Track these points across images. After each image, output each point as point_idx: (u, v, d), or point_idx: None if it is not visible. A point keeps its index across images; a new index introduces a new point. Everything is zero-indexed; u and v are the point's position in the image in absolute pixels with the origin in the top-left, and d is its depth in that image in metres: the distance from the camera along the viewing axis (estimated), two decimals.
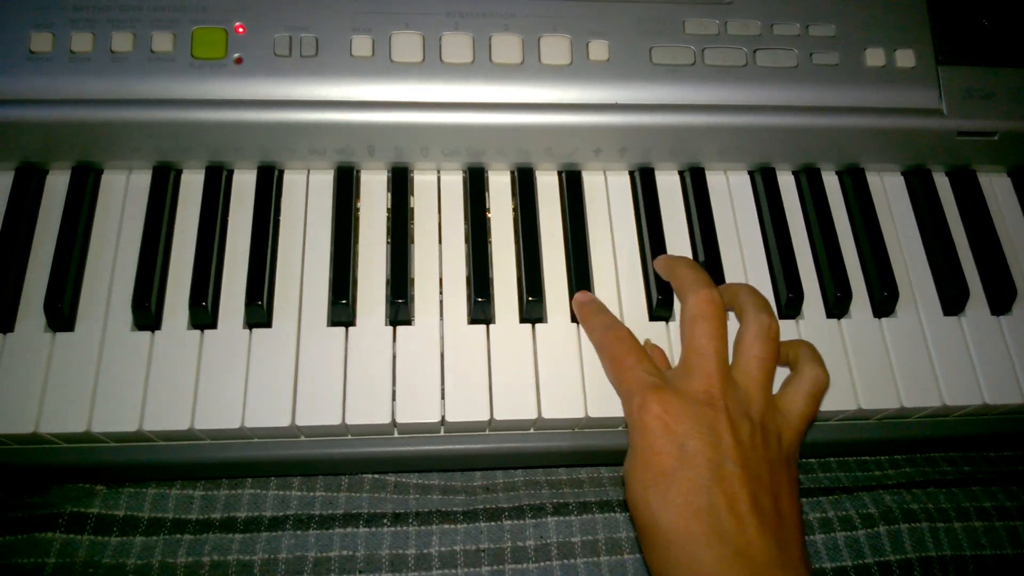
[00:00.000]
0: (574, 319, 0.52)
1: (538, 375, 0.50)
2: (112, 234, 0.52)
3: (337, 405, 0.48)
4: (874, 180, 0.59)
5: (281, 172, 0.55)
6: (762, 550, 0.40)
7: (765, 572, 0.40)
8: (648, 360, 0.46)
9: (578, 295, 0.52)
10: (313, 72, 0.52)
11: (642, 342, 0.50)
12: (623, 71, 0.54)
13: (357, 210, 0.54)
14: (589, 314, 0.50)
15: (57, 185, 0.54)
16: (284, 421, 0.47)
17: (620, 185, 0.57)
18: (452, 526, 0.51)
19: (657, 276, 0.53)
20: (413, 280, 0.52)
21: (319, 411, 0.48)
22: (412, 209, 0.55)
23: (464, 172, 0.56)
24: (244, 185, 0.55)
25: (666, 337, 0.52)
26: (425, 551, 0.50)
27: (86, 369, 0.48)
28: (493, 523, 0.51)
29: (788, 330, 0.53)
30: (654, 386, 0.44)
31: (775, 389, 0.48)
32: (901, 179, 0.60)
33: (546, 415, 0.49)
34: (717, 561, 0.40)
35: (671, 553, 0.41)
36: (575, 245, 0.54)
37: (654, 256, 0.54)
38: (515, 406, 0.49)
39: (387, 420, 0.48)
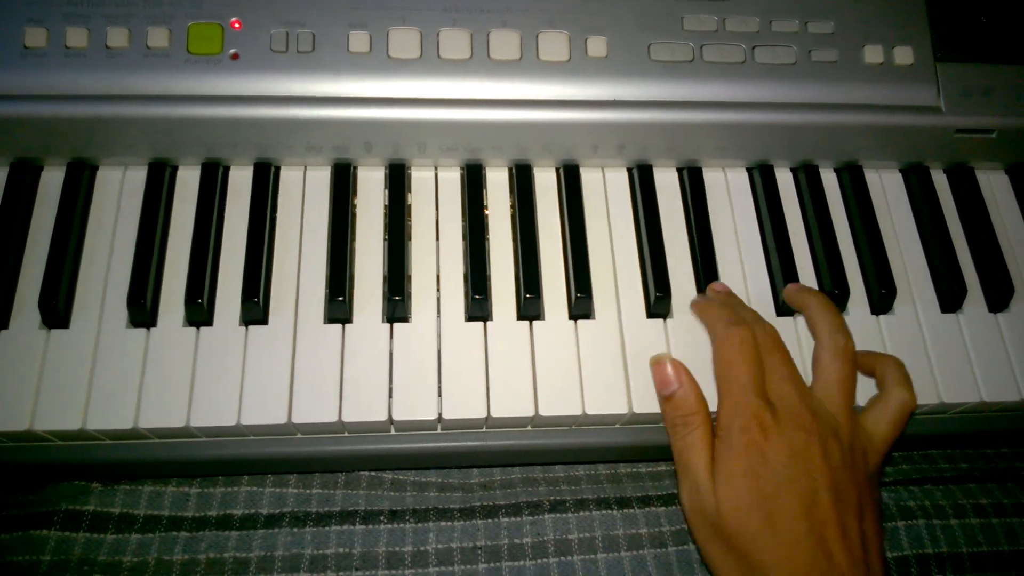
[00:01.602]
0: (572, 316, 0.52)
1: (535, 372, 0.50)
2: (107, 231, 0.52)
3: (334, 402, 0.48)
4: (872, 177, 0.59)
5: (278, 169, 0.55)
6: (851, 574, 0.41)
7: None
8: (761, 374, 0.46)
9: (715, 284, 0.52)
10: (310, 68, 0.52)
11: (640, 340, 0.50)
12: (621, 67, 0.54)
13: (354, 207, 0.54)
14: (708, 305, 0.50)
15: (52, 181, 0.53)
16: (280, 418, 0.47)
17: (618, 182, 0.57)
18: (449, 523, 0.51)
19: (656, 273, 0.53)
20: (410, 277, 0.52)
21: (316, 408, 0.48)
22: (409, 206, 0.55)
23: (462, 169, 0.56)
24: (240, 182, 0.54)
25: (663, 335, 0.52)
26: (422, 548, 0.50)
27: (81, 366, 0.48)
28: (490, 520, 0.51)
29: (787, 327, 0.53)
30: (758, 410, 0.44)
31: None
32: (899, 176, 0.60)
33: (543, 412, 0.48)
34: None
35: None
36: (573, 242, 0.54)
37: (651, 252, 0.54)
38: (512, 403, 0.49)
39: (384, 417, 0.48)
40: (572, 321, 0.52)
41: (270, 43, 0.52)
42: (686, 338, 0.51)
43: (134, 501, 0.50)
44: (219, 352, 0.49)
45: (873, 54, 0.56)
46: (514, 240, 0.54)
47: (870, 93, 0.56)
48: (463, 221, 0.54)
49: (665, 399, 0.48)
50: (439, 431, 0.50)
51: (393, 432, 0.50)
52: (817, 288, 0.55)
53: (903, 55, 0.56)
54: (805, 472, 0.43)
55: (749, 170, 0.59)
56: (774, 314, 0.54)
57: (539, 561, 0.50)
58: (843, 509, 0.43)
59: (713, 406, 0.47)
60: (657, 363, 0.48)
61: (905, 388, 0.47)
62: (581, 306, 0.51)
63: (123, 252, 0.51)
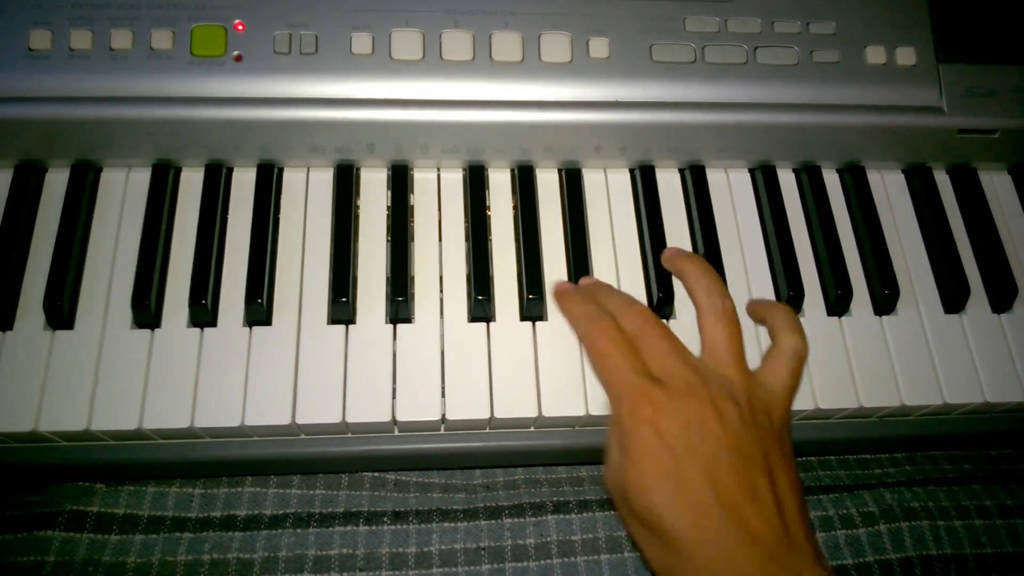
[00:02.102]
0: None
1: (538, 373, 0.50)
2: (111, 232, 0.52)
3: (337, 403, 0.48)
4: (875, 178, 0.59)
5: (281, 170, 0.55)
6: (767, 536, 0.40)
7: (774, 558, 0.40)
8: (634, 355, 0.46)
9: (557, 284, 0.52)
10: (313, 70, 0.52)
11: None
12: (623, 69, 0.54)
13: (357, 208, 0.54)
14: (571, 305, 0.50)
15: (56, 183, 0.54)
16: (284, 419, 0.47)
17: (620, 183, 0.57)
18: (452, 524, 0.51)
19: (658, 274, 0.53)
20: (413, 278, 0.52)
21: (319, 409, 0.48)
22: (412, 207, 0.55)
23: (464, 170, 0.56)
24: (244, 183, 0.54)
25: None
26: (425, 549, 0.50)
27: (86, 367, 0.48)
28: (493, 521, 0.51)
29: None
30: (641, 388, 0.44)
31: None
32: (902, 177, 0.60)
33: (547, 413, 0.49)
34: (728, 554, 0.40)
35: (683, 551, 0.41)
36: (575, 243, 0.54)
37: (655, 254, 0.54)
38: (515, 404, 0.49)
39: (387, 418, 0.48)
40: None
41: (273, 45, 0.52)
42: (689, 339, 0.51)
43: (138, 502, 0.50)
44: (223, 353, 0.49)
45: (875, 55, 0.56)
46: (517, 241, 0.54)
47: (872, 94, 0.56)
48: (466, 222, 0.55)
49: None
50: (442, 432, 0.50)
51: (396, 433, 0.50)
52: (821, 289, 0.55)
53: (905, 56, 0.56)
54: (702, 439, 0.42)
55: (751, 170, 0.59)
56: None
57: (543, 562, 0.50)
58: (749, 470, 0.41)
59: None
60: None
61: (795, 333, 0.47)
62: None
63: (127, 253, 0.52)
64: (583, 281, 0.52)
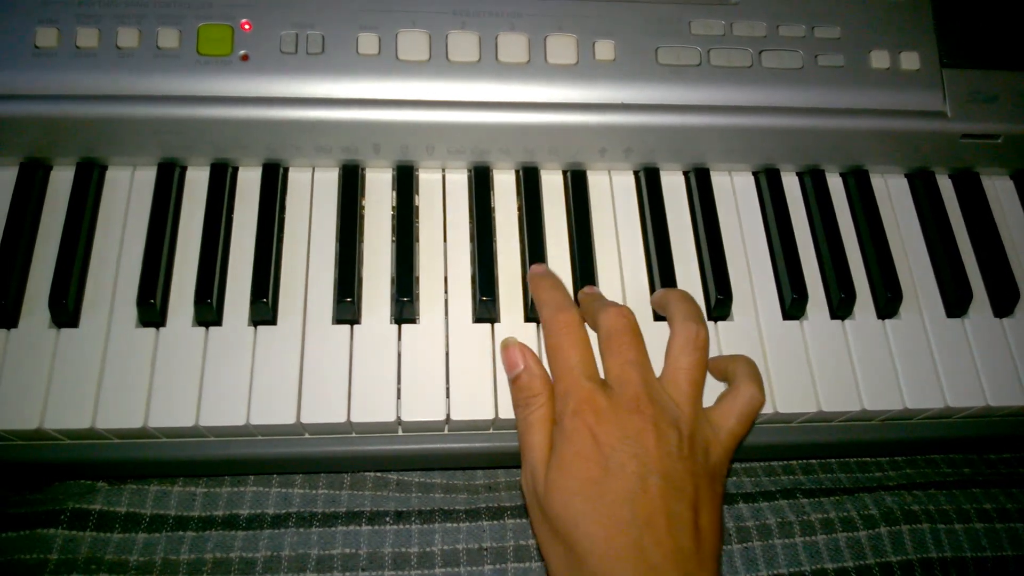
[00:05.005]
0: None
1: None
2: (116, 230, 0.52)
3: (342, 403, 0.48)
4: (878, 182, 0.59)
5: (286, 170, 0.55)
6: (678, 567, 0.40)
7: None
8: (590, 358, 0.46)
9: (533, 266, 0.51)
10: (319, 69, 0.52)
11: (646, 341, 0.50)
12: (629, 71, 0.54)
13: (362, 208, 0.54)
14: (542, 288, 0.49)
15: (61, 181, 0.54)
16: (289, 418, 0.47)
17: (625, 185, 0.57)
18: (455, 525, 0.51)
19: (662, 278, 0.53)
20: (418, 278, 0.52)
21: (324, 409, 0.48)
22: (417, 207, 0.55)
23: (469, 171, 0.56)
24: (249, 182, 0.55)
25: (667, 335, 0.52)
26: (428, 549, 0.50)
27: (90, 365, 0.48)
28: (496, 522, 0.51)
29: (792, 332, 0.53)
30: (589, 393, 0.44)
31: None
32: (905, 181, 0.60)
33: None
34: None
35: (588, 565, 0.40)
36: (580, 244, 0.54)
37: (658, 255, 0.54)
38: None
39: (392, 418, 0.48)
40: None
41: (280, 45, 0.52)
42: None
43: (141, 500, 0.50)
44: (228, 352, 0.49)
45: (879, 59, 0.56)
46: (521, 242, 0.54)
47: (876, 98, 0.56)
48: (470, 223, 0.55)
49: (512, 381, 0.48)
50: (446, 432, 0.51)
51: (400, 433, 0.50)
52: (825, 292, 0.55)
53: (909, 60, 0.56)
54: (635, 457, 0.41)
55: (755, 174, 0.59)
56: (780, 318, 0.54)
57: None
58: (675, 498, 0.41)
59: None
60: (505, 347, 0.48)
61: (754, 383, 0.46)
62: None
63: (132, 252, 0.51)
64: (586, 289, 0.52)
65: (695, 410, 0.45)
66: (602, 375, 0.46)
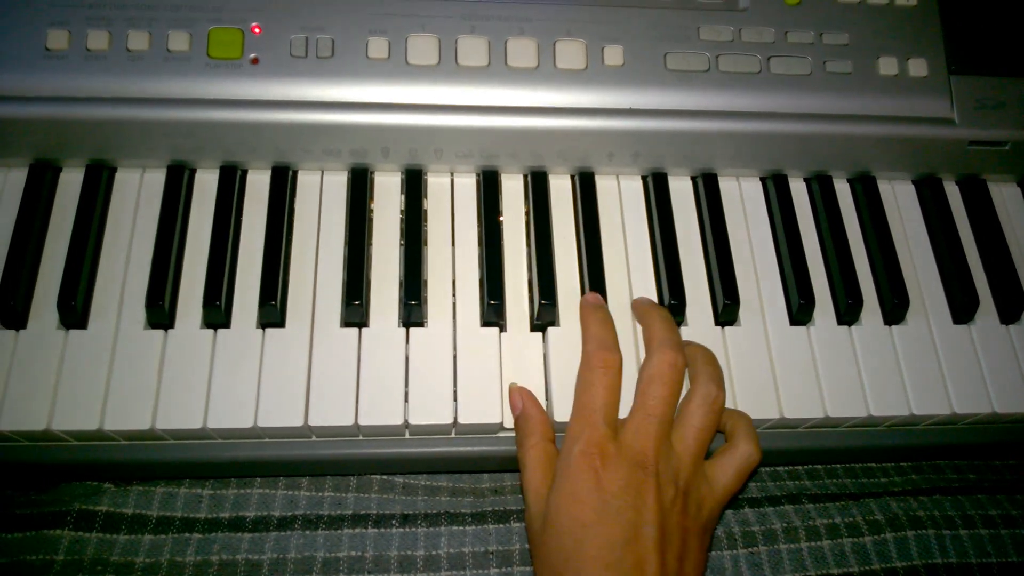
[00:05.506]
0: None
1: (549, 378, 0.50)
2: (126, 232, 0.52)
3: (349, 406, 0.48)
4: (885, 188, 0.59)
5: (295, 173, 0.55)
6: None
7: None
8: (615, 403, 0.47)
9: (589, 295, 0.52)
10: (329, 73, 0.52)
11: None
12: (638, 76, 0.54)
13: (371, 211, 0.54)
14: (593, 322, 0.50)
15: (71, 183, 0.54)
16: (296, 421, 0.47)
17: (633, 190, 0.57)
18: (461, 528, 0.51)
19: (670, 282, 0.53)
20: (426, 282, 0.52)
21: (331, 411, 0.48)
22: (425, 211, 0.55)
23: (478, 175, 0.57)
24: (258, 185, 0.55)
25: None
26: (434, 552, 0.50)
27: (99, 367, 0.48)
28: (502, 525, 0.51)
29: (799, 337, 0.53)
30: (603, 437, 0.45)
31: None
32: (912, 187, 0.60)
33: (557, 418, 0.49)
34: None
35: None
36: (588, 249, 0.54)
37: (666, 260, 0.54)
38: None
39: (399, 421, 0.48)
40: None
41: (290, 48, 0.52)
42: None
43: (147, 502, 0.50)
44: (236, 354, 0.49)
45: (887, 66, 0.56)
46: (529, 247, 0.54)
47: (884, 104, 0.56)
48: (479, 227, 0.55)
49: (515, 419, 0.49)
50: (453, 435, 0.51)
51: (407, 436, 0.50)
52: (832, 297, 0.55)
53: (917, 67, 0.56)
54: (633, 507, 0.43)
55: (763, 179, 0.59)
56: (787, 323, 0.54)
57: None
58: (664, 549, 0.43)
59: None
60: (509, 390, 0.50)
61: (752, 442, 0.48)
62: None
63: (141, 254, 0.52)
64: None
65: (695, 467, 0.47)
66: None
